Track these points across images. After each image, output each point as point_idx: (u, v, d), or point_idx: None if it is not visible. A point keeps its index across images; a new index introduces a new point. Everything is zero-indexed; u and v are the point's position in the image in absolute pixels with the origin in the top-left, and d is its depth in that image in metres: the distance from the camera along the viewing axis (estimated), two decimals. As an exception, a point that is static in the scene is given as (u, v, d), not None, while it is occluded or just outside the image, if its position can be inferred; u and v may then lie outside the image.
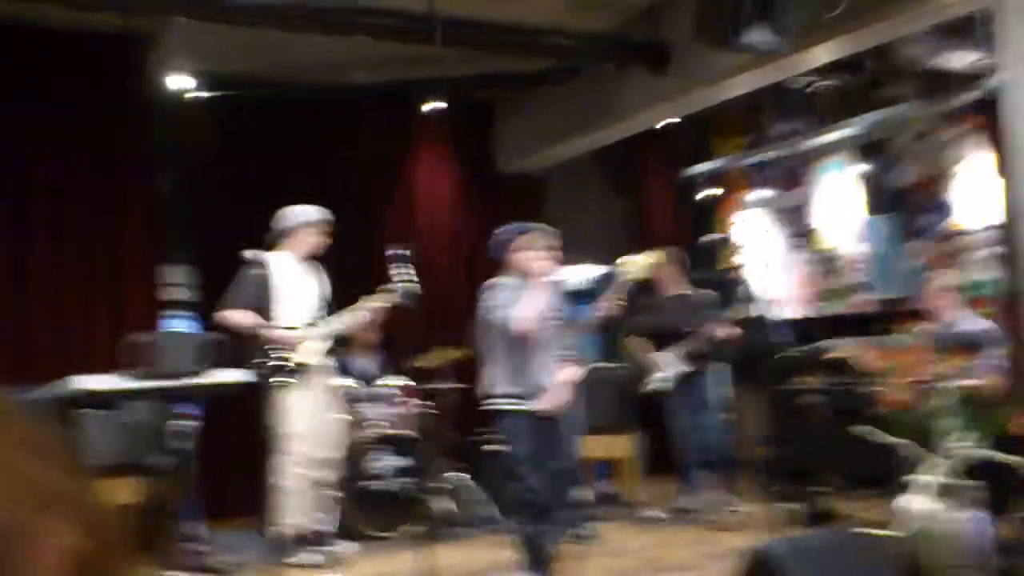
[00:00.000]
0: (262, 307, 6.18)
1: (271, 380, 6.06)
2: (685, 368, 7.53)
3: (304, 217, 6.41)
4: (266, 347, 6.07)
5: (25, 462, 0.69)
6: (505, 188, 9.57)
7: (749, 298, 6.35)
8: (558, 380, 5.36)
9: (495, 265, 5.54)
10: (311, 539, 6.24)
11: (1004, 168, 7.76)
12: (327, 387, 6.45)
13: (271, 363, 6.11)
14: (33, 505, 0.69)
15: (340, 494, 6.73)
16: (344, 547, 6.38)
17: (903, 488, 3.66)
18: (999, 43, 5.47)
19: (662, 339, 7.66)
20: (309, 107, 8.62)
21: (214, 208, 8.18)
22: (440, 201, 9.41)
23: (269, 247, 6.38)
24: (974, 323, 6.52)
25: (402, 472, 6.95)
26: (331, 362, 6.47)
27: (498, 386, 5.25)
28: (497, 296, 5.25)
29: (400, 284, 5.80)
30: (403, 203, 9.24)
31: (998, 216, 7.90)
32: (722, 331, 7.34)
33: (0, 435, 0.71)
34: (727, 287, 8.16)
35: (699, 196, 10.80)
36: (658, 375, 7.61)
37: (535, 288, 5.22)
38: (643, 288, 7.70)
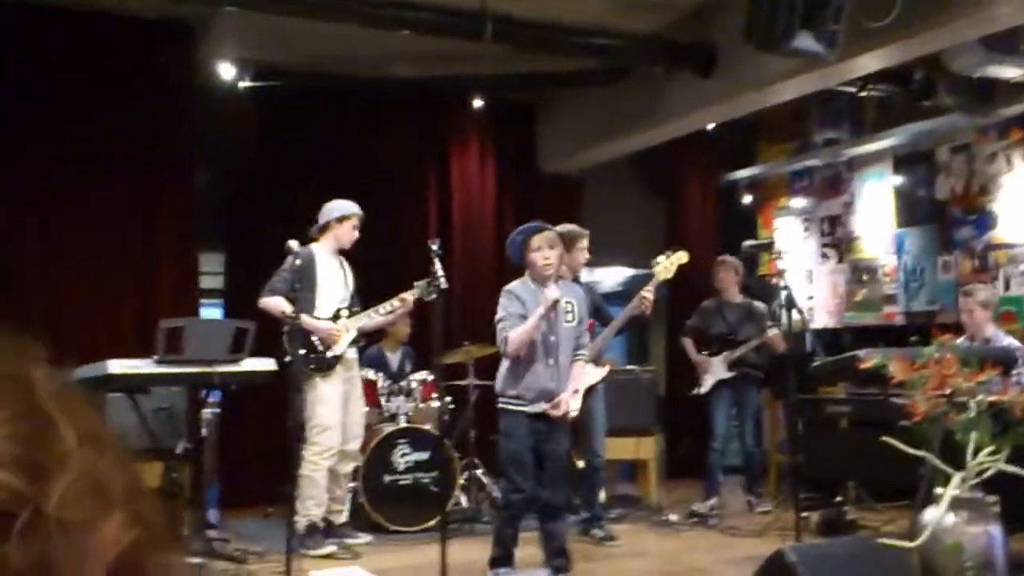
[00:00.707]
0: (301, 297, 6.20)
1: (305, 370, 6.08)
2: (726, 375, 7.60)
3: (339, 211, 6.46)
4: (300, 337, 6.08)
5: (85, 452, 0.68)
6: (544, 188, 9.56)
7: (791, 305, 6.30)
8: (569, 385, 5.35)
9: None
10: (329, 530, 6.30)
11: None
12: (353, 379, 6.48)
13: (305, 353, 6.14)
14: (92, 498, 0.67)
15: (359, 486, 6.77)
16: (360, 538, 6.41)
17: (925, 500, 3.61)
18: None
19: (713, 343, 7.73)
20: (351, 99, 8.65)
21: (251, 197, 8.25)
22: (478, 198, 9.41)
23: (310, 240, 6.41)
24: (1001, 338, 6.45)
25: (421, 466, 6.98)
26: (355, 354, 6.49)
27: (501, 386, 5.31)
28: (506, 307, 5.26)
29: (431, 280, 5.80)
30: (441, 199, 9.25)
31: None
32: (778, 341, 7.33)
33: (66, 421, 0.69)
34: (769, 293, 8.14)
35: (739, 202, 10.76)
36: (707, 379, 7.65)
37: (530, 320, 5.17)
38: (708, 292, 7.77)
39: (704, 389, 7.70)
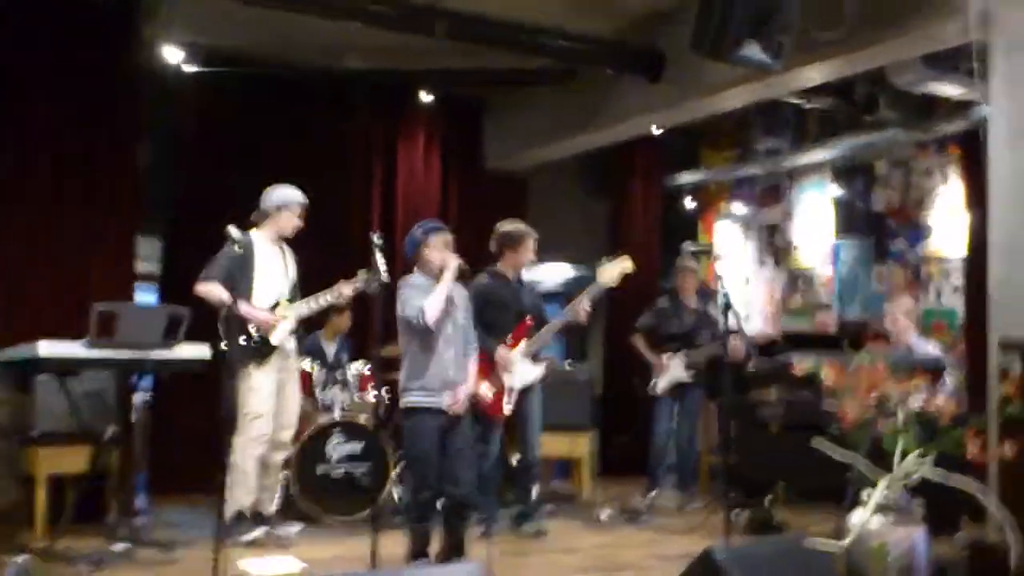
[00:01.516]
0: (239, 284, 6.16)
1: (240, 358, 6.02)
2: (685, 377, 7.65)
3: (282, 199, 6.39)
4: (237, 324, 6.02)
5: None
6: (489, 184, 9.58)
7: (727, 308, 6.39)
8: (468, 377, 5.55)
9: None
10: (258, 519, 6.24)
11: (972, 199, 7.87)
12: (289, 368, 6.43)
13: (241, 341, 6.08)
14: None
15: (291, 475, 6.73)
16: (289, 528, 6.36)
17: (853, 503, 3.68)
18: (987, 75, 5.53)
19: (666, 344, 7.76)
20: (299, 88, 8.58)
21: (193, 183, 8.17)
22: (423, 192, 9.39)
23: (250, 226, 6.34)
24: (928, 347, 6.63)
25: (355, 458, 6.96)
26: (293, 343, 6.45)
27: (405, 380, 5.39)
28: (408, 291, 5.39)
29: (373, 271, 5.78)
30: (386, 191, 9.22)
31: (965, 248, 8.00)
32: (739, 351, 7.37)
33: None
34: (706, 296, 8.23)
35: (682, 205, 10.86)
36: (663, 379, 7.69)
37: (439, 286, 5.37)
38: (648, 293, 7.81)
39: (660, 389, 7.72)
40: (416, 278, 5.49)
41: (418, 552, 5.40)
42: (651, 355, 7.81)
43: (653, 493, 7.61)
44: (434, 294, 5.32)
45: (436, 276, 5.42)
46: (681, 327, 7.79)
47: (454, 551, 5.39)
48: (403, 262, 8.71)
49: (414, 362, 5.39)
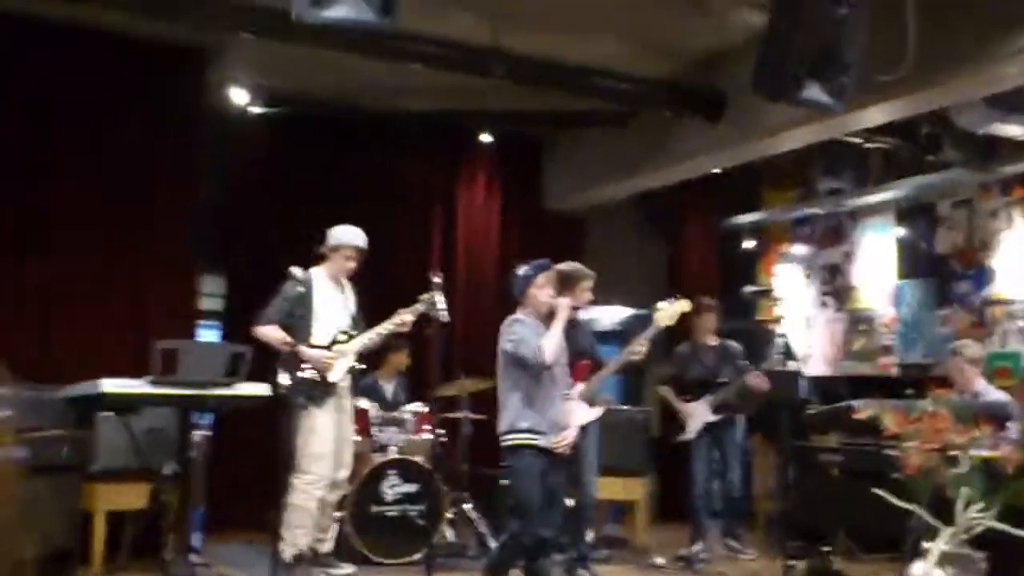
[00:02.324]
0: (299, 324, 6.20)
1: (299, 397, 6.04)
2: (712, 418, 7.52)
3: (342, 239, 6.43)
4: (296, 364, 6.05)
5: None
6: (548, 225, 9.58)
7: (788, 352, 6.33)
8: (571, 419, 5.46)
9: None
10: (314, 559, 6.24)
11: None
12: (345, 407, 6.45)
13: (300, 381, 6.10)
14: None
15: (345, 515, 6.73)
16: (343, 569, 6.35)
17: (914, 554, 3.60)
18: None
19: (692, 388, 7.67)
20: (360, 129, 8.68)
21: (255, 222, 8.26)
22: (483, 232, 9.43)
23: (315, 262, 6.40)
24: (994, 394, 6.48)
25: (409, 498, 6.94)
26: (349, 381, 6.45)
27: (513, 420, 5.24)
28: (521, 330, 5.28)
29: (429, 303, 5.79)
30: (446, 231, 9.27)
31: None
32: (755, 381, 7.29)
33: None
34: (763, 338, 8.14)
35: (741, 246, 10.78)
36: (692, 424, 7.60)
37: (554, 325, 5.29)
38: (677, 337, 7.70)
39: (691, 435, 7.60)
40: (524, 317, 5.39)
41: None
42: (678, 403, 7.73)
43: (699, 546, 7.44)
44: (550, 334, 5.25)
45: (542, 316, 5.35)
46: (704, 369, 7.68)
47: None
48: (463, 301, 8.83)
49: (523, 401, 5.26)
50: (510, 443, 5.25)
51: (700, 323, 7.71)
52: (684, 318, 6.62)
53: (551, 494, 5.25)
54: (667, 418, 8.19)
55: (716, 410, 7.55)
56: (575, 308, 6.59)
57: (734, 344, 7.81)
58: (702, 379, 7.67)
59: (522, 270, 5.45)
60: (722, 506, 7.75)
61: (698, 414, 7.60)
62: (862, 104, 6.32)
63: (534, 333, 5.27)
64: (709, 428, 7.58)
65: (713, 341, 7.80)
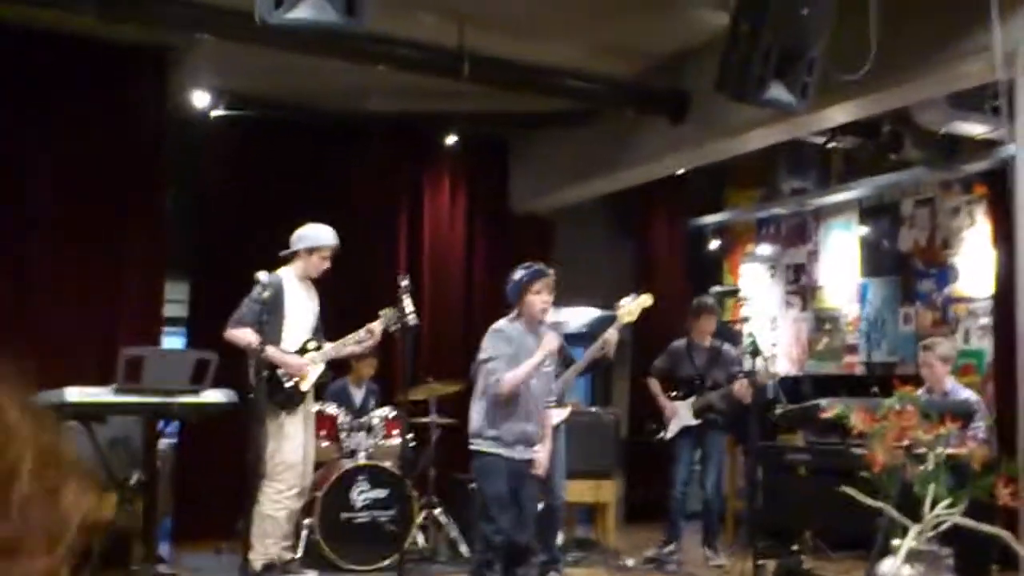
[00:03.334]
0: (269, 328, 6.12)
1: (269, 404, 5.97)
2: (692, 421, 7.52)
3: (313, 241, 6.37)
4: (268, 369, 5.99)
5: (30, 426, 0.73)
6: (515, 226, 9.57)
7: (755, 351, 6.35)
8: (545, 431, 5.39)
9: (495, 302, 5.50)
10: (281, 567, 6.19)
11: (999, 238, 7.80)
12: (311, 415, 6.41)
13: (272, 387, 6.03)
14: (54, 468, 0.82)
15: (314, 522, 6.68)
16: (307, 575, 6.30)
17: (882, 551, 3.62)
18: (1011, 115, 5.49)
19: (681, 386, 7.66)
20: (325, 132, 8.64)
21: (219, 226, 8.21)
22: (449, 234, 9.41)
23: (278, 265, 6.34)
24: (960, 391, 6.53)
25: (379, 504, 6.91)
26: (314, 388, 6.41)
27: (479, 427, 5.20)
28: (497, 346, 5.20)
29: (399, 311, 5.75)
30: (411, 233, 9.24)
31: (992, 287, 7.93)
32: (740, 391, 7.30)
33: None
34: (731, 339, 8.15)
35: (706, 246, 10.83)
36: (673, 424, 7.58)
37: (538, 339, 5.21)
38: (673, 335, 7.72)
39: (669, 435, 7.59)
40: (507, 326, 5.28)
41: None
42: (662, 399, 7.70)
43: (672, 546, 7.46)
44: (520, 369, 5.11)
45: (534, 322, 5.27)
46: (694, 369, 7.67)
47: None
48: (430, 303, 8.80)
49: (490, 411, 5.18)
50: (475, 448, 5.22)
51: (699, 324, 7.71)
52: (649, 313, 6.60)
53: (517, 496, 5.19)
54: (649, 413, 8.16)
55: (697, 413, 7.53)
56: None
57: (729, 348, 7.78)
58: (689, 379, 7.65)
59: (517, 274, 5.33)
60: (701, 510, 7.73)
61: (680, 414, 7.59)
62: (825, 103, 6.34)
63: (510, 351, 5.17)
64: (692, 430, 7.56)
65: (708, 342, 7.77)
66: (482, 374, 5.23)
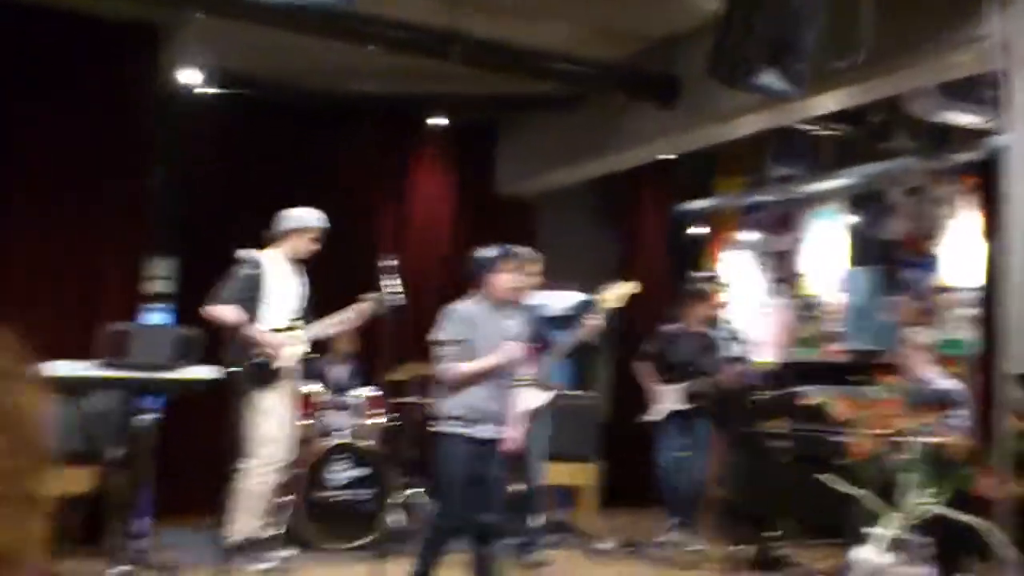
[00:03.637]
0: (250, 306, 6.11)
1: (250, 381, 5.95)
2: (681, 406, 7.50)
3: (301, 222, 6.34)
4: (248, 347, 5.97)
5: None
6: (501, 209, 9.55)
7: (733, 337, 6.36)
8: (514, 411, 5.34)
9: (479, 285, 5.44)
10: (262, 544, 6.16)
11: (990, 230, 7.81)
12: (294, 391, 6.39)
13: (252, 363, 6.01)
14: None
15: (294, 500, 6.67)
16: (290, 553, 6.29)
17: (860, 539, 3.63)
18: (1003, 105, 5.49)
19: (673, 372, 7.64)
20: (312, 111, 8.60)
21: (205, 204, 8.16)
22: (434, 216, 9.39)
23: (263, 245, 6.31)
24: (942, 381, 6.55)
25: (359, 483, 6.90)
26: (299, 366, 6.39)
27: (443, 408, 5.14)
28: (452, 328, 5.12)
29: (385, 294, 5.72)
30: (397, 215, 9.21)
31: (979, 277, 7.94)
32: (726, 375, 7.29)
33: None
34: (712, 326, 8.15)
35: (691, 232, 10.82)
36: (661, 408, 7.57)
37: (484, 362, 5.11)
38: (656, 320, 7.71)
39: (657, 417, 7.59)
40: (466, 307, 5.19)
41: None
42: (650, 383, 7.71)
43: (675, 528, 7.45)
44: (471, 369, 5.04)
45: (496, 302, 5.19)
46: (684, 355, 7.65)
47: None
48: (415, 284, 8.77)
49: (451, 390, 5.13)
50: (436, 428, 5.16)
51: (692, 311, 7.70)
52: (633, 298, 6.60)
53: (481, 479, 5.12)
54: (632, 398, 8.15)
55: (688, 399, 7.52)
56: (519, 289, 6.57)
57: (718, 335, 7.78)
58: (678, 364, 7.63)
59: (484, 252, 5.26)
60: (685, 495, 7.72)
61: (668, 398, 7.58)
62: (816, 91, 6.32)
63: (464, 330, 5.09)
64: (679, 415, 7.55)
65: (699, 329, 7.77)
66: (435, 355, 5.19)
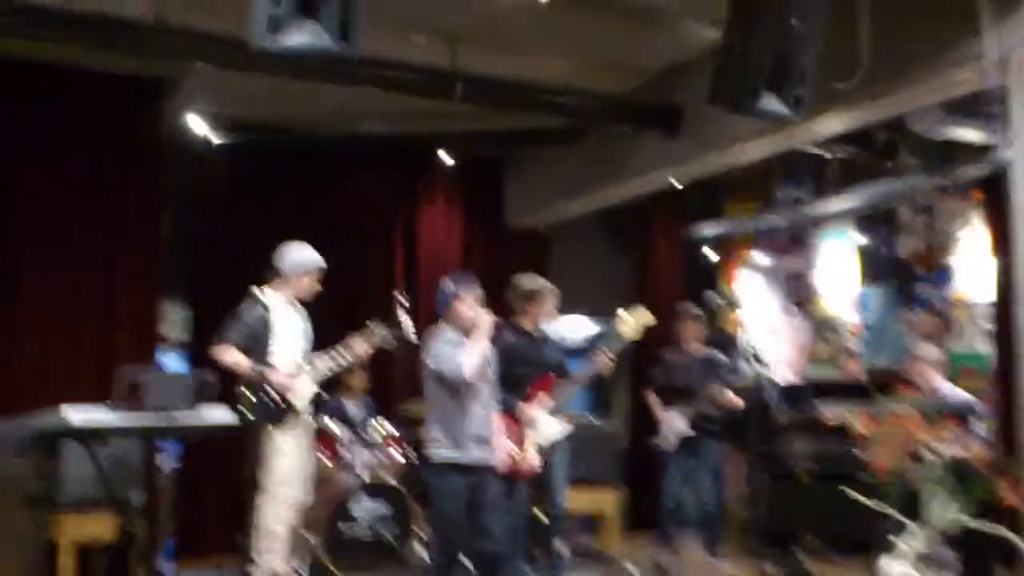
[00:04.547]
0: (258, 346, 6.14)
1: (261, 422, 5.97)
2: (687, 430, 7.50)
3: (302, 264, 6.35)
4: (258, 387, 5.99)
5: None
6: (512, 242, 9.61)
7: (755, 358, 6.36)
8: (498, 435, 5.48)
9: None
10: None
11: (1000, 244, 7.81)
12: (309, 429, 6.41)
13: (263, 404, 6.03)
14: None
15: (317, 537, 6.69)
16: None
17: (886, 554, 3.62)
18: (1008, 120, 5.51)
19: (677, 398, 7.64)
20: (320, 154, 8.69)
21: (218, 249, 8.22)
22: (445, 252, 9.45)
23: (266, 284, 6.35)
24: (956, 395, 6.53)
25: (382, 519, 6.93)
26: (311, 405, 6.42)
27: (431, 435, 5.23)
28: (441, 346, 5.28)
29: (395, 328, 5.75)
30: (408, 251, 9.26)
31: (992, 292, 7.93)
32: (724, 396, 7.31)
33: None
34: (727, 347, 8.15)
35: (704, 256, 10.84)
36: (670, 435, 7.58)
37: (473, 339, 5.29)
38: (666, 344, 7.72)
39: (666, 445, 7.59)
40: (447, 333, 5.41)
41: None
42: (658, 410, 7.72)
43: (666, 553, 7.45)
44: (470, 349, 5.24)
45: (467, 331, 5.35)
46: (687, 378, 7.65)
47: None
48: (427, 321, 8.78)
49: (444, 417, 5.26)
50: (432, 460, 5.25)
51: (682, 331, 7.71)
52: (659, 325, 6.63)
53: (488, 505, 5.21)
54: (648, 424, 8.17)
55: (693, 424, 7.53)
56: (538, 323, 6.62)
57: (721, 356, 7.77)
58: (684, 388, 7.63)
59: (446, 285, 5.49)
60: (698, 518, 7.71)
61: (674, 424, 7.59)
62: (818, 113, 6.34)
63: (456, 348, 5.25)
64: (687, 441, 7.54)
65: (700, 351, 7.78)
66: (431, 381, 5.30)
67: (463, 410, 5.25)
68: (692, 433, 7.52)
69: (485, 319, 5.35)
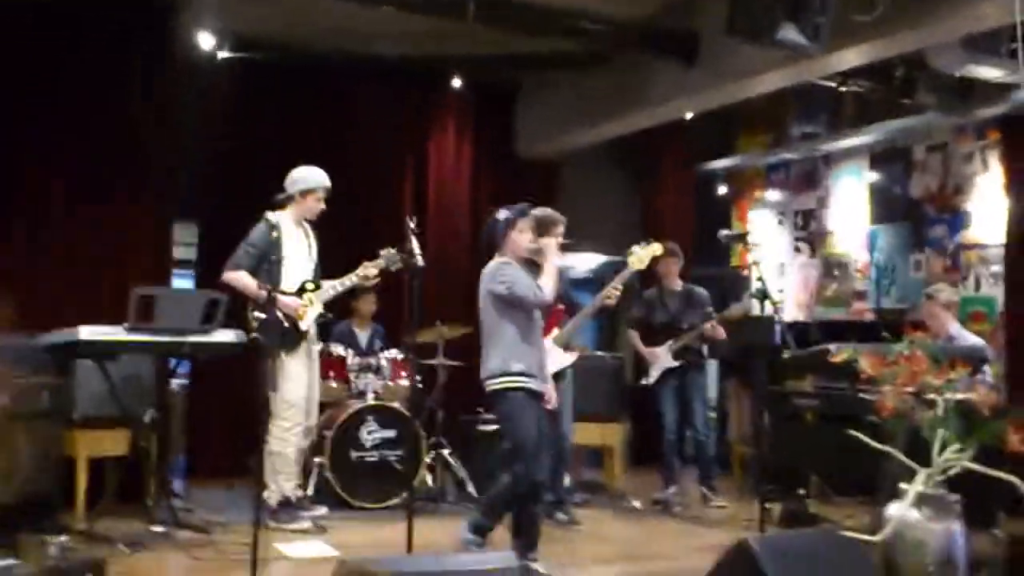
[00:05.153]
0: (268, 269, 6.18)
1: (272, 345, 6.00)
2: (673, 363, 7.55)
3: (309, 183, 6.37)
4: (268, 310, 6.00)
5: None
6: (521, 171, 9.54)
7: (763, 295, 6.32)
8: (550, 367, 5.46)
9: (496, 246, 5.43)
10: (294, 503, 6.28)
11: (1013, 186, 7.74)
12: (313, 354, 6.46)
13: (272, 328, 6.05)
14: None
15: (325, 461, 6.78)
16: (316, 511, 6.36)
17: (889, 496, 3.63)
18: (1025, 58, 5.43)
19: (658, 333, 7.68)
20: (330, 74, 8.61)
21: (227, 169, 8.18)
22: (454, 178, 9.40)
23: (277, 208, 6.36)
24: (967, 337, 6.52)
25: (389, 444, 6.99)
26: (315, 329, 6.47)
27: (501, 365, 5.09)
28: (512, 272, 5.14)
29: (402, 254, 5.73)
30: (418, 177, 9.22)
31: (1003, 234, 7.89)
32: (711, 332, 7.35)
33: None
34: (738, 283, 8.15)
35: (715, 192, 10.78)
36: (654, 370, 7.62)
37: (547, 266, 5.24)
38: (645, 281, 7.71)
39: (651, 380, 7.63)
40: (508, 261, 5.21)
41: (486, 529, 5.17)
42: (642, 347, 7.75)
43: (672, 489, 7.53)
44: (547, 272, 5.19)
45: (521, 261, 5.23)
46: (667, 314, 7.68)
47: (531, 542, 5.24)
48: (435, 250, 8.77)
49: (513, 344, 5.09)
50: (500, 386, 5.08)
51: (663, 268, 7.69)
52: (654, 262, 6.65)
53: (544, 438, 5.16)
54: (637, 363, 8.22)
55: (676, 356, 7.56)
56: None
57: (700, 290, 7.79)
58: (666, 324, 7.66)
59: (502, 214, 5.27)
60: (693, 452, 7.77)
61: (660, 359, 7.61)
62: (838, 46, 6.25)
63: (523, 275, 5.17)
64: (674, 374, 7.58)
65: (678, 286, 7.79)
66: (502, 308, 5.12)
67: (530, 338, 5.16)
68: (673, 365, 7.56)
69: (551, 243, 5.34)
